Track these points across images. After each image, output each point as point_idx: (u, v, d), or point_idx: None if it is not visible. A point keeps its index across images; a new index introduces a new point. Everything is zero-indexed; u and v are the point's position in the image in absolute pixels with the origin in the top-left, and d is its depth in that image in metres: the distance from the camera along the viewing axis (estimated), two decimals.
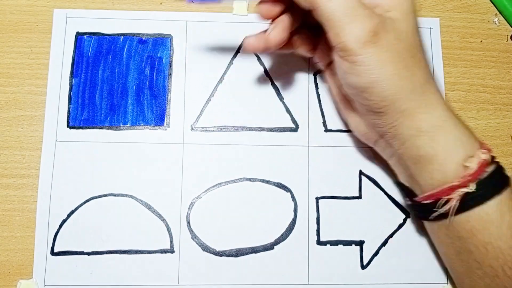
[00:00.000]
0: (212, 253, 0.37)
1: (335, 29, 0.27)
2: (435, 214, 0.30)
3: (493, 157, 0.30)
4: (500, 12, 0.42)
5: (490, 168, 0.29)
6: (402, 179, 0.33)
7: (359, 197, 0.38)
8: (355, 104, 0.32)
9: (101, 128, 0.38)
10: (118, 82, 0.39)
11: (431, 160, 0.30)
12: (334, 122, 0.39)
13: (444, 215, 0.30)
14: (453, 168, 0.29)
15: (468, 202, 0.29)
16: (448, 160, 0.29)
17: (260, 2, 0.31)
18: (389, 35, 0.27)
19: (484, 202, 0.29)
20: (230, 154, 0.38)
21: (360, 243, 0.37)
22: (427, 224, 0.34)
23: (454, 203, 0.29)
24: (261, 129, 0.39)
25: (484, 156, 0.29)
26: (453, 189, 0.29)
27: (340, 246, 0.37)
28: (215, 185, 0.38)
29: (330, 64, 0.35)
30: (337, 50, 0.29)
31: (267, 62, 0.40)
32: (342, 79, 0.31)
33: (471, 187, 0.28)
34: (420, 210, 0.32)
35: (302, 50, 0.35)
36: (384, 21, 0.28)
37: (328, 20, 0.27)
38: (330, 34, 0.28)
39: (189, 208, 0.37)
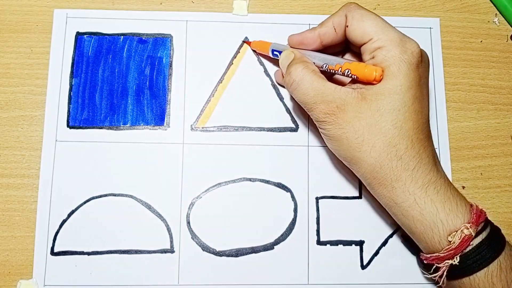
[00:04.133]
0: (212, 253, 0.37)
1: (307, 109, 0.33)
2: (428, 276, 0.33)
3: (485, 222, 0.31)
4: (500, 12, 0.42)
5: (476, 241, 0.30)
6: None
7: (359, 197, 0.38)
8: None
9: (101, 128, 0.38)
10: (118, 82, 0.39)
11: (415, 233, 0.32)
12: None
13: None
14: (437, 242, 0.30)
15: (455, 272, 0.30)
16: (430, 236, 0.31)
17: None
18: (347, 115, 0.30)
19: (471, 273, 0.30)
20: (230, 154, 0.38)
21: (360, 243, 0.37)
22: None
23: (441, 272, 0.31)
24: (261, 129, 0.39)
25: (466, 231, 0.29)
26: (440, 259, 0.30)
27: (340, 246, 0.37)
28: (215, 185, 0.38)
29: None
30: None
31: (267, 62, 0.40)
32: None
33: (456, 260, 0.30)
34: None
35: None
36: (344, 103, 0.30)
37: (300, 103, 0.33)
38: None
39: (189, 208, 0.37)
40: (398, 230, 0.38)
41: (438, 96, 0.40)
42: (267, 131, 0.39)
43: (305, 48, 0.35)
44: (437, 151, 0.39)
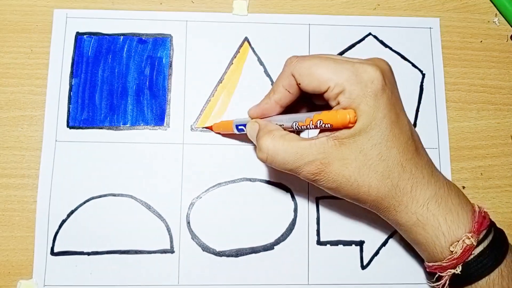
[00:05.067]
0: (212, 253, 0.37)
1: (294, 173, 0.31)
2: (431, 285, 0.33)
3: (488, 229, 0.30)
4: (500, 12, 0.42)
5: (478, 250, 0.30)
6: None
7: None
8: None
9: (101, 128, 0.38)
10: (118, 82, 0.39)
11: (418, 244, 0.32)
12: None
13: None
14: (439, 252, 0.31)
15: (457, 281, 0.30)
16: (432, 246, 0.31)
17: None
18: (333, 166, 0.30)
19: (472, 282, 0.30)
20: (230, 154, 0.38)
21: (360, 243, 0.37)
22: None
23: (443, 281, 0.31)
24: None
25: (468, 241, 0.29)
26: (442, 268, 0.31)
27: (340, 246, 0.37)
28: (215, 185, 0.38)
29: None
30: None
31: (267, 62, 0.40)
32: None
33: (458, 269, 0.30)
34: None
35: None
36: (325, 157, 0.30)
37: (285, 171, 0.31)
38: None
39: (189, 208, 0.37)
40: None
41: (438, 96, 0.40)
42: None
43: (268, 116, 0.33)
44: (437, 151, 0.39)
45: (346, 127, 0.29)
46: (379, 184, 0.30)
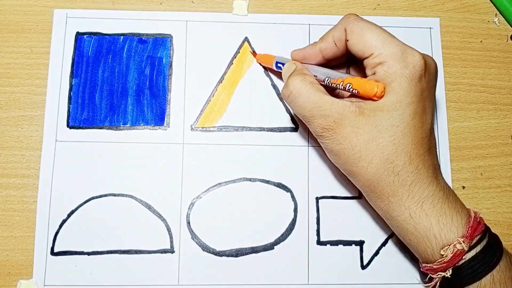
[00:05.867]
0: (212, 253, 0.37)
1: (305, 122, 0.33)
2: (424, 285, 0.33)
3: (482, 234, 0.30)
4: (500, 12, 0.42)
5: (470, 255, 0.29)
6: None
7: (359, 197, 0.38)
8: None
9: (101, 128, 0.38)
10: (118, 82, 0.39)
11: (409, 244, 0.32)
12: None
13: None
14: (430, 254, 0.30)
15: (448, 284, 0.30)
16: (423, 248, 0.31)
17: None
18: (345, 129, 0.30)
19: (463, 286, 0.30)
20: (230, 154, 0.38)
21: (360, 243, 0.37)
22: None
23: (433, 283, 0.31)
24: (261, 129, 0.39)
25: (459, 246, 0.29)
26: (433, 270, 0.31)
27: (340, 246, 0.37)
28: (215, 185, 0.38)
29: None
30: None
31: None
32: None
33: (448, 273, 0.30)
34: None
35: None
36: (341, 118, 0.30)
37: (298, 116, 0.33)
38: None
39: (189, 208, 0.37)
40: None
41: (438, 96, 0.40)
42: (267, 131, 0.39)
43: (308, 62, 0.35)
44: (437, 151, 0.39)
45: (371, 98, 0.30)
46: (380, 164, 0.30)
